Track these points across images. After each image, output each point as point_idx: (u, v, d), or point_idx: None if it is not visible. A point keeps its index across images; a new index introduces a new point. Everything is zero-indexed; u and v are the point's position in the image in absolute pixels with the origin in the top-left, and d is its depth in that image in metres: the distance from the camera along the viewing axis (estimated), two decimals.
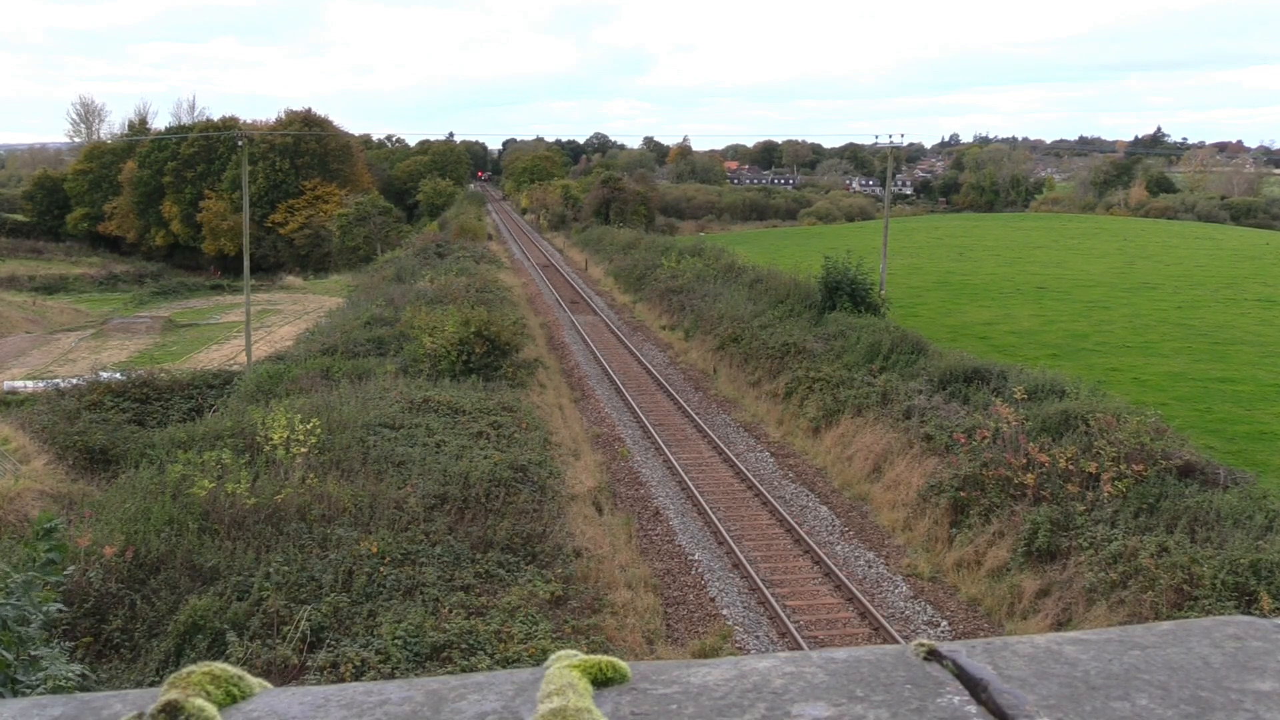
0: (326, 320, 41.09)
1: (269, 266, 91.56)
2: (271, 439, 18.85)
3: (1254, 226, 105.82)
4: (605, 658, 1.10)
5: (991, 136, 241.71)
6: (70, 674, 6.08)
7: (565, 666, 1.10)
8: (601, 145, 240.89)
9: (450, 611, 14.09)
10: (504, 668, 9.14)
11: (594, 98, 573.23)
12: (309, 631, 13.40)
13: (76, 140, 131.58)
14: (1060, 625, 15.54)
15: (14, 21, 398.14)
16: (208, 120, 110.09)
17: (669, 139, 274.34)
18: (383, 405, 22.76)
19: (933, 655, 1.14)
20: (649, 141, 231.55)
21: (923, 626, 16.70)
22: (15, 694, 5.49)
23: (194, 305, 72.37)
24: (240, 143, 46.32)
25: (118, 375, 30.87)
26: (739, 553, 18.86)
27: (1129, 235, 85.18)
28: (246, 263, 38.43)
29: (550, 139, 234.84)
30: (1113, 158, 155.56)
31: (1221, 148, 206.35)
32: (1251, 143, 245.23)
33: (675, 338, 40.02)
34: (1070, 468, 18.49)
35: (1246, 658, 1.12)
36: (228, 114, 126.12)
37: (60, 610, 5.84)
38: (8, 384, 40.72)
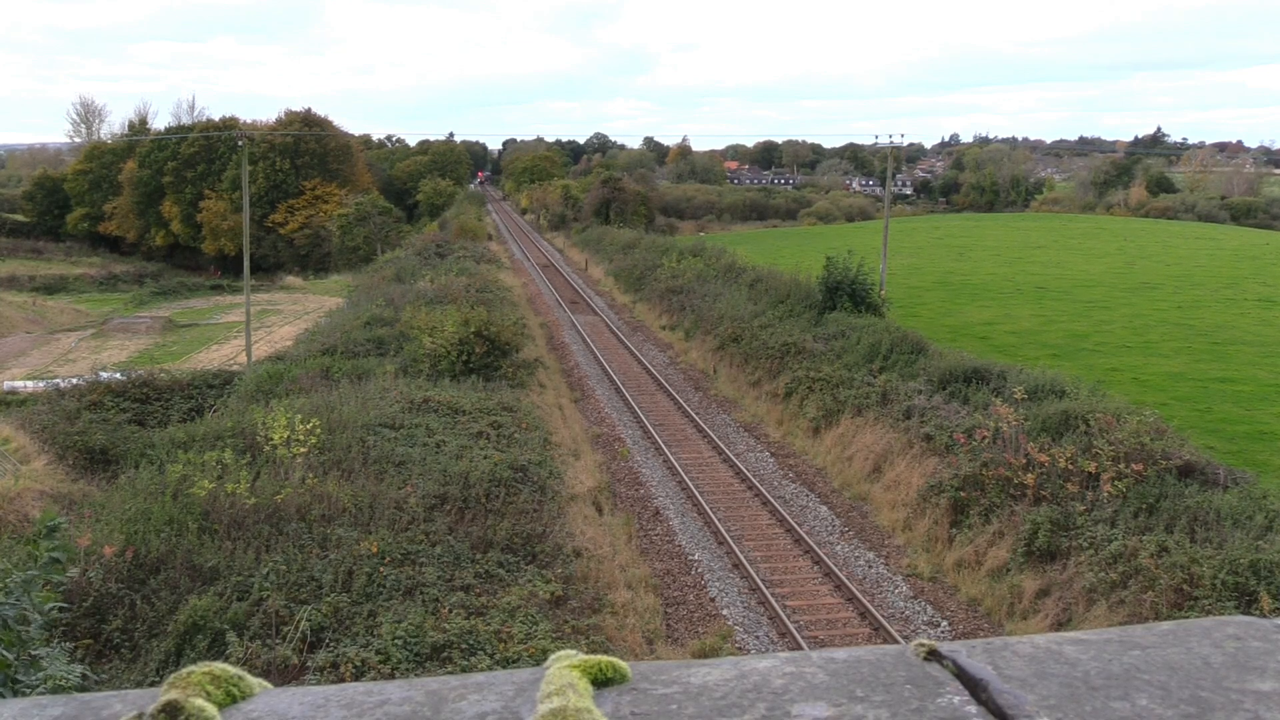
0: (326, 320, 41.05)
1: (269, 266, 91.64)
2: (272, 439, 18.83)
3: (1254, 226, 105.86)
4: (605, 658, 1.10)
5: (991, 136, 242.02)
6: (70, 674, 6.07)
7: (565, 666, 1.10)
8: (601, 145, 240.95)
9: (450, 611, 14.08)
10: (504, 668, 9.14)
11: (594, 98, 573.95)
12: (309, 631, 13.39)
13: (76, 140, 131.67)
14: (1060, 625, 15.53)
15: (10, 20, 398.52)
16: (208, 120, 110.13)
17: (669, 139, 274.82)
18: (383, 405, 22.75)
19: (933, 655, 1.14)
20: (649, 141, 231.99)
21: (923, 626, 16.70)
22: (15, 694, 5.48)
23: (194, 305, 72.40)
24: (240, 143, 46.32)
25: (118, 375, 30.86)
26: (739, 553, 18.86)
27: (1129, 235, 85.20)
28: (246, 263, 38.47)
29: (550, 139, 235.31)
30: (1113, 158, 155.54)
31: (1221, 148, 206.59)
32: (1251, 143, 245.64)
33: (675, 338, 40.01)
34: (1070, 468, 18.47)
35: (1246, 658, 1.12)
36: (228, 114, 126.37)
37: (63, 608, 5.83)
38: (8, 384, 40.75)
